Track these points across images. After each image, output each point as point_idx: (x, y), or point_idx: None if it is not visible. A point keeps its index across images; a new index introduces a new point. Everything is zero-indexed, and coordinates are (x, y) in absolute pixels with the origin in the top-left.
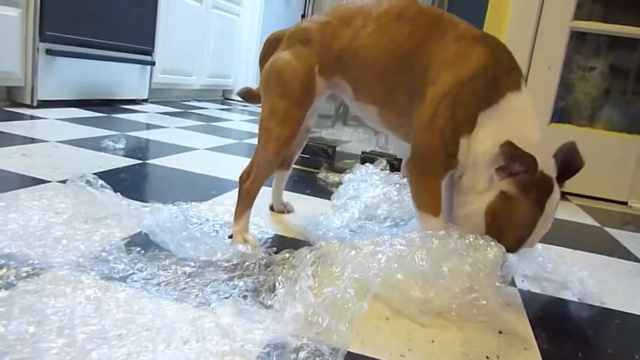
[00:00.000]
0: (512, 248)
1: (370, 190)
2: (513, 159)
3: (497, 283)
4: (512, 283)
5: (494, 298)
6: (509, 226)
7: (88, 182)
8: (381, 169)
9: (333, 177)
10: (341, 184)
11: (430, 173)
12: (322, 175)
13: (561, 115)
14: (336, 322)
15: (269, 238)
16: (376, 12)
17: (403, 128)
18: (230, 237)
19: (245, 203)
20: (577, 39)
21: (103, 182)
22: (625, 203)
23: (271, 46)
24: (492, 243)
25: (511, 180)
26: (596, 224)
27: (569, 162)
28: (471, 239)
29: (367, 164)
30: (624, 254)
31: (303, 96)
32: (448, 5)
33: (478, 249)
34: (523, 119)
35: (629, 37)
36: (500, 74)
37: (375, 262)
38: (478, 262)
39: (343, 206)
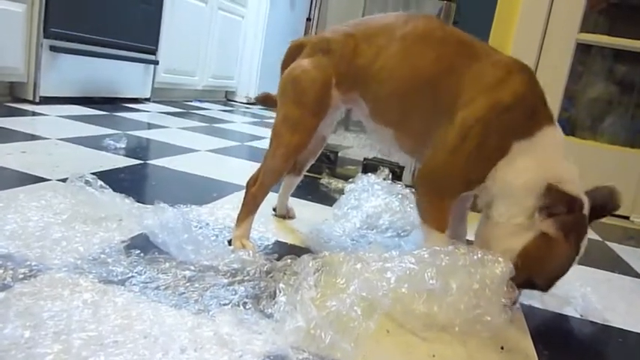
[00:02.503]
0: (544, 288)
1: (372, 200)
2: (560, 200)
3: (503, 300)
4: None
5: (499, 315)
6: (544, 268)
7: (87, 182)
8: (383, 179)
9: (335, 183)
10: (343, 192)
11: (444, 194)
12: (324, 180)
13: (564, 127)
14: (340, 339)
15: (269, 245)
16: (400, 32)
17: (416, 153)
18: (229, 242)
19: (249, 208)
20: (582, 51)
21: (102, 183)
22: (627, 218)
23: (293, 52)
24: (500, 259)
25: (552, 221)
26: (599, 239)
27: (603, 202)
28: (479, 255)
29: (369, 174)
30: (625, 270)
31: (318, 106)
32: (454, 18)
33: (485, 265)
34: (559, 155)
35: (635, 51)
36: (539, 105)
37: (385, 281)
38: (485, 278)
39: (344, 216)
